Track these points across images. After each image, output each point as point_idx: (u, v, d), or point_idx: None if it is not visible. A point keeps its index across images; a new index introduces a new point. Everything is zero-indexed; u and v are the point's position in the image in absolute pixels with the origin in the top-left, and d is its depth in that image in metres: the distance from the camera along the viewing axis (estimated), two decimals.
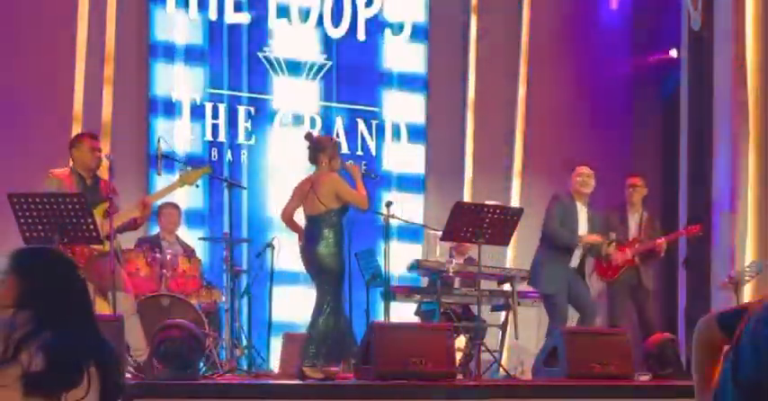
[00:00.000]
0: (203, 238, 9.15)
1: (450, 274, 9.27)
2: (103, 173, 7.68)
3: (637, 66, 11.95)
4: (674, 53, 11.47)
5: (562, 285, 8.69)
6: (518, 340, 9.24)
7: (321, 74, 10.58)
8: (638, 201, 9.59)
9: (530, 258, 9.42)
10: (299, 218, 7.77)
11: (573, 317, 8.95)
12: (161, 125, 9.72)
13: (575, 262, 8.85)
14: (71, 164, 7.62)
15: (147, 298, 8.13)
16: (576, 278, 8.80)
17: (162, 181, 8.41)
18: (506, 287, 9.27)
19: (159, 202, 8.53)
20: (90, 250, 7.35)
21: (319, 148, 7.65)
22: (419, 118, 11.04)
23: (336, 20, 10.72)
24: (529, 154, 11.27)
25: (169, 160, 8.34)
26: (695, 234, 9.91)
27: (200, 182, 7.87)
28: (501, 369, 8.39)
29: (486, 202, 8.67)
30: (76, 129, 9.40)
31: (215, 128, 10.11)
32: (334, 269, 7.44)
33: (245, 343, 8.58)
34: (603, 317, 10.14)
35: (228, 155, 10.11)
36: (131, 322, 7.20)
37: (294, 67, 10.47)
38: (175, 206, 9.09)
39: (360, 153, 10.70)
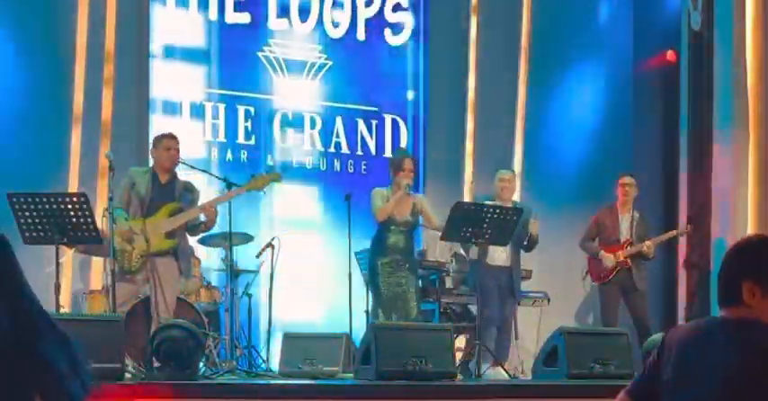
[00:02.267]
0: (203, 238, 9.14)
1: (451, 274, 9.29)
2: (105, 172, 7.75)
3: (637, 65, 11.94)
4: (673, 54, 11.47)
5: None
6: (518, 340, 9.26)
7: (321, 74, 10.58)
8: (630, 201, 9.59)
9: (530, 258, 9.43)
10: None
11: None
12: (161, 125, 9.71)
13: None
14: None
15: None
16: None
17: None
18: None
19: None
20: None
21: (389, 164, 8.63)
22: (419, 118, 11.03)
23: (336, 20, 10.72)
24: (528, 154, 11.27)
25: None
26: (685, 232, 9.93)
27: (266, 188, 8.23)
28: (501, 369, 8.39)
29: (486, 202, 8.67)
30: (76, 129, 9.41)
31: (215, 128, 10.11)
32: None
33: (245, 343, 8.59)
34: (597, 319, 10.14)
35: (228, 155, 10.11)
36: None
37: (294, 67, 10.47)
38: None
39: (360, 153, 10.70)
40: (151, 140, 8.26)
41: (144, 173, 7.82)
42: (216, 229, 9.12)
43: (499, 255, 8.78)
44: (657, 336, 6.70)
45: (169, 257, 7.71)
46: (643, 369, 3.09)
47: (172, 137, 7.96)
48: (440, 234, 8.48)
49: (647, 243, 9.44)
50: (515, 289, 8.85)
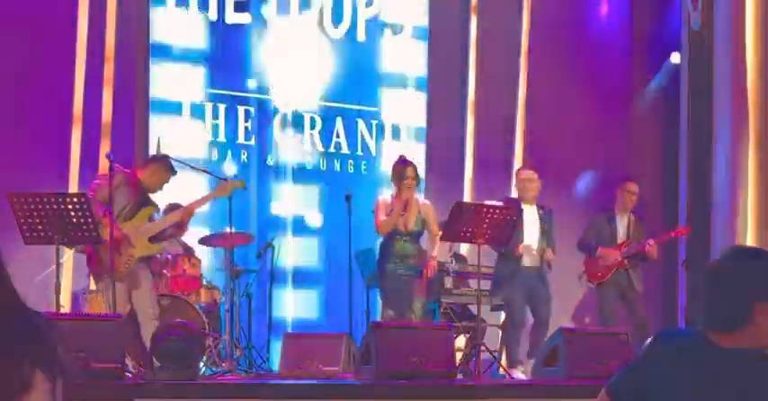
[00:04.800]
0: (204, 239, 9.15)
1: (451, 274, 9.28)
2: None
3: (637, 65, 11.94)
4: (674, 56, 11.46)
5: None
6: None
7: (321, 74, 10.57)
8: (630, 205, 9.60)
9: None
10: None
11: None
12: (161, 125, 9.72)
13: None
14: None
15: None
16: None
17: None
18: None
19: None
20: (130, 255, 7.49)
21: (391, 175, 8.59)
22: (419, 118, 11.04)
23: (336, 20, 10.72)
24: (529, 154, 11.27)
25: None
26: (684, 235, 9.92)
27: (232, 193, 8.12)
28: (501, 369, 8.39)
29: (486, 202, 8.67)
30: (76, 129, 9.41)
31: (215, 128, 10.11)
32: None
33: (245, 343, 8.59)
34: (594, 319, 10.14)
35: (228, 156, 10.11)
36: (147, 326, 7.33)
37: (294, 67, 10.46)
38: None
39: (360, 153, 10.70)
40: (155, 145, 8.16)
41: (126, 175, 7.72)
42: (216, 229, 9.13)
43: (531, 256, 8.80)
44: None
45: (144, 260, 7.72)
46: (629, 370, 2.90)
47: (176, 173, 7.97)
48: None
49: (650, 242, 9.43)
50: (548, 287, 8.89)
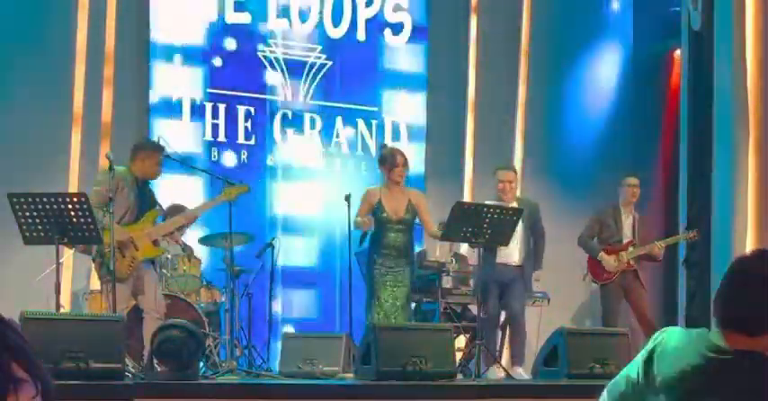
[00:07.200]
0: (204, 238, 9.15)
1: (451, 274, 9.28)
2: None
3: (637, 65, 11.95)
4: (674, 54, 11.47)
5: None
6: None
7: (321, 74, 10.58)
8: (633, 202, 9.56)
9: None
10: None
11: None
12: (161, 125, 9.72)
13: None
14: (131, 166, 7.71)
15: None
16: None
17: (163, 182, 8.38)
18: None
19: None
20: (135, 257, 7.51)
21: (380, 162, 8.43)
22: (419, 118, 11.04)
23: (336, 20, 10.72)
24: (529, 154, 11.27)
25: (169, 160, 8.32)
26: (692, 239, 9.90)
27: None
28: (501, 369, 8.38)
29: (486, 202, 8.66)
30: (76, 129, 9.41)
31: (215, 128, 10.11)
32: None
33: (245, 343, 8.59)
34: (598, 319, 10.13)
35: (228, 155, 10.11)
36: (151, 325, 7.34)
37: (294, 67, 10.47)
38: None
39: (360, 153, 10.70)
40: (142, 144, 8.12)
41: (127, 175, 7.66)
42: (216, 229, 9.13)
43: (511, 253, 8.74)
44: None
45: (148, 262, 7.74)
46: (629, 370, 2.83)
47: (164, 150, 7.93)
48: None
49: (659, 244, 9.38)
50: (526, 287, 8.83)
